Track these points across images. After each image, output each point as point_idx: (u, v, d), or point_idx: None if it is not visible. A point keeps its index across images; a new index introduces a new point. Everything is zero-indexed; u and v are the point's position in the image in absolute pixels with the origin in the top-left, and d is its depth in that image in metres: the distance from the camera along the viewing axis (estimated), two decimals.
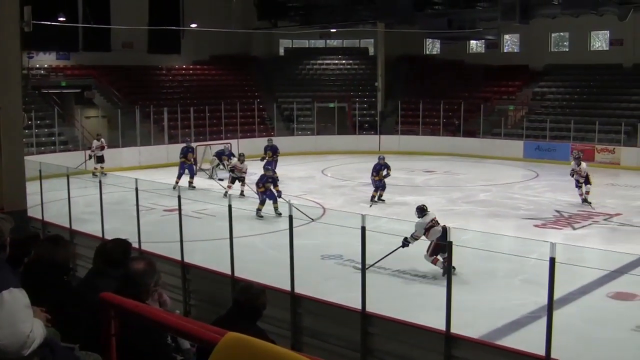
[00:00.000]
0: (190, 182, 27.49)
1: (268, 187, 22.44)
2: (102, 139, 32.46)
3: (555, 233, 19.73)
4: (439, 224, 15.70)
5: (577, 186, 24.68)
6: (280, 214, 21.77)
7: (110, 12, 40.65)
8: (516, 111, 42.47)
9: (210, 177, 30.68)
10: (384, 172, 24.76)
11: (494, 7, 35.64)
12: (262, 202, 22.29)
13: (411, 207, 23.57)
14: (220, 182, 28.83)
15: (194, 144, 33.89)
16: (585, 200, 24.17)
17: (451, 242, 10.05)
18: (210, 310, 12.16)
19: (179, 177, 27.29)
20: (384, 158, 25.58)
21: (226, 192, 24.45)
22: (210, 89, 44.96)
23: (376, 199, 24.73)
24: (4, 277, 4.11)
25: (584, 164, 24.72)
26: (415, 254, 16.58)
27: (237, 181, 25.59)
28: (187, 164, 27.92)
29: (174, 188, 25.25)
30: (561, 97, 42.28)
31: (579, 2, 33.12)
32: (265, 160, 29.74)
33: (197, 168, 30.56)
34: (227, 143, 34.93)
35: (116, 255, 6.05)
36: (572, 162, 25.15)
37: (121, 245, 6.31)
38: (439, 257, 15.17)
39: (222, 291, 12.55)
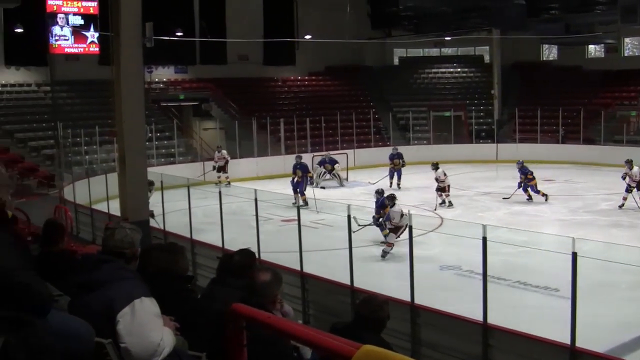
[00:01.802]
0: (303, 199, 26.44)
1: None
2: (223, 151, 33.03)
3: None
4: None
5: (627, 190, 24.45)
6: None
7: (226, 26, 41.53)
8: (638, 117, 41.16)
9: (316, 186, 30.84)
10: None
11: (613, 9, 34.68)
12: None
13: (531, 217, 23.44)
14: (323, 189, 29.75)
15: (308, 154, 34.18)
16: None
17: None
18: (328, 320, 12.15)
19: (294, 192, 26.81)
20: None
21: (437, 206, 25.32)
22: (325, 99, 45.30)
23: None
24: (136, 287, 4.20)
25: (636, 168, 24.29)
26: (537, 265, 16.27)
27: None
28: (299, 182, 27.00)
29: (293, 204, 25.37)
30: None
31: None
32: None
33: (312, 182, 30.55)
34: (343, 153, 35.02)
35: (243, 266, 6.10)
36: (626, 166, 24.70)
37: (248, 256, 6.37)
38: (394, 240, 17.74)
39: (341, 302, 12.56)
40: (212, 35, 37.66)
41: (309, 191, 26.80)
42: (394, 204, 18.25)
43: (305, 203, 25.62)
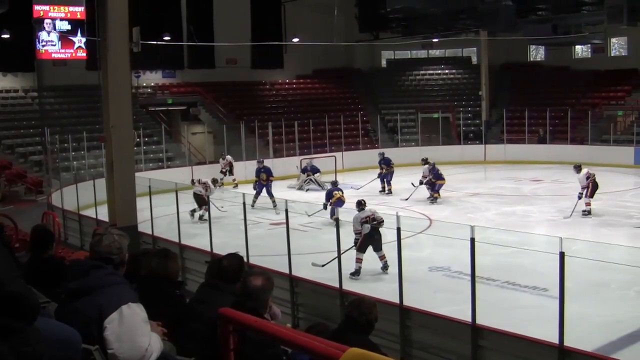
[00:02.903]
0: (273, 202, 25.69)
1: None
2: (228, 156, 33.14)
3: None
4: (374, 221, 16.10)
5: (578, 197, 23.46)
6: None
7: (214, 30, 41.50)
8: (625, 116, 41.23)
9: (300, 189, 31.63)
10: None
11: (600, 10, 34.77)
12: None
13: (519, 217, 23.48)
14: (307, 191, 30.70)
15: (297, 157, 34.40)
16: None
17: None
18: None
19: (257, 195, 26.38)
20: None
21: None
22: (313, 102, 45.37)
23: None
24: (123, 293, 4.20)
25: (583, 171, 23.52)
26: (526, 265, 16.30)
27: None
28: (263, 184, 26.82)
29: (252, 206, 25.29)
30: None
31: None
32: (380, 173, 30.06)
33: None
34: (331, 156, 35.05)
35: (232, 270, 6.10)
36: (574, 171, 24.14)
37: (236, 260, 6.36)
38: (362, 257, 15.95)
39: (331, 304, 12.57)
40: (200, 39, 37.59)
41: (291, 194, 26.92)
42: (361, 209, 16.66)
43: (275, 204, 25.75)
